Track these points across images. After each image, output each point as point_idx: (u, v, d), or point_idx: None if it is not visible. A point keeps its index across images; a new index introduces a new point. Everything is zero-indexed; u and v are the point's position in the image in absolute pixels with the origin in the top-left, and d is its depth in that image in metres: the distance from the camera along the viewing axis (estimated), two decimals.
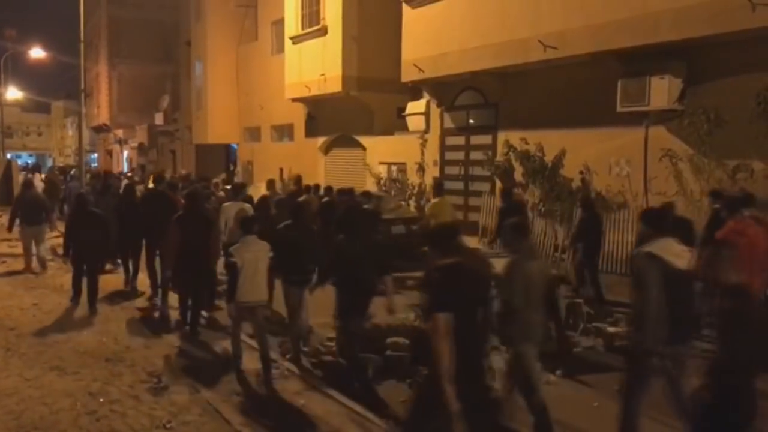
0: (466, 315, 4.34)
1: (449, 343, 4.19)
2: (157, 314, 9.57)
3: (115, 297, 10.69)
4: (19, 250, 13.63)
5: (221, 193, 13.77)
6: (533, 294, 5.12)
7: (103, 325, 8.97)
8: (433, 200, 11.78)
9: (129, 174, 29.80)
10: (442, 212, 10.92)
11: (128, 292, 10.97)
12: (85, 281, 9.84)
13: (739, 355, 3.88)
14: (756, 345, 3.81)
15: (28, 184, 14.42)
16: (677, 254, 4.92)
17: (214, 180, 19.79)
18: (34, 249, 13.13)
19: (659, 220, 5.20)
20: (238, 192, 11.14)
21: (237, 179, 23.09)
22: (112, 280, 11.96)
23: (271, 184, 13.80)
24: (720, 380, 3.89)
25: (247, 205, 10.38)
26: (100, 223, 9.80)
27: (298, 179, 15.09)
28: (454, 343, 4.21)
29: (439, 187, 12.39)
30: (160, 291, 9.97)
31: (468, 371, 4.30)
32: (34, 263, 13.02)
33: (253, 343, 8.08)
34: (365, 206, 11.41)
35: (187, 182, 16.40)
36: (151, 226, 9.97)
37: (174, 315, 9.26)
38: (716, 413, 3.89)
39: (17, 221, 13.00)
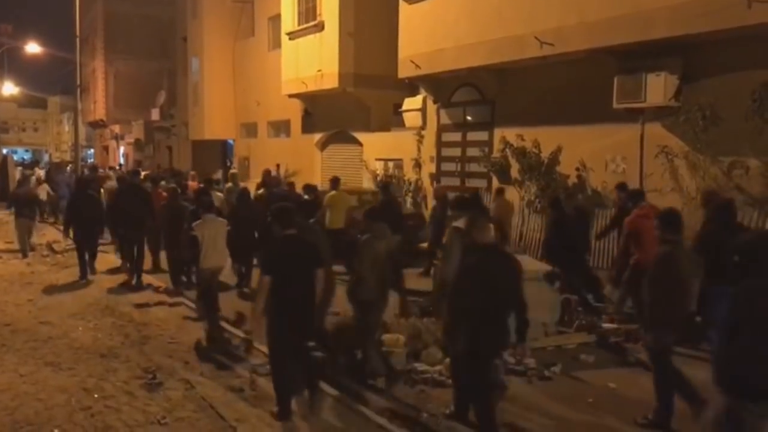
0: (287, 278, 5.67)
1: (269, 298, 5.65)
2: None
3: (111, 294, 10.69)
4: (15, 246, 14.69)
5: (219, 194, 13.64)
6: (377, 266, 6.50)
7: (98, 321, 8.97)
8: (330, 193, 12.71)
9: (117, 168, 29.88)
10: (336, 203, 12.37)
11: (124, 288, 10.99)
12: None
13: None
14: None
15: (22, 182, 16.56)
16: None
17: (214, 176, 19.85)
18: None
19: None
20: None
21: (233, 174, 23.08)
22: (110, 279, 11.98)
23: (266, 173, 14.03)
24: None
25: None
26: (96, 203, 12.27)
27: (265, 173, 15.43)
28: (273, 299, 5.65)
29: (335, 182, 12.97)
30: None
31: (285, 322, 5.73)
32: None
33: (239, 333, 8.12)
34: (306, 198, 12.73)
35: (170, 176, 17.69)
36: (128, 218, 11.31)
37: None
38: None
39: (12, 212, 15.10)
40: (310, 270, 5.87)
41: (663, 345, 5.53)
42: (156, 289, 10.86)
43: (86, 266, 11.83)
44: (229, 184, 15.22)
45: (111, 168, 29.94)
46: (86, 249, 11.92)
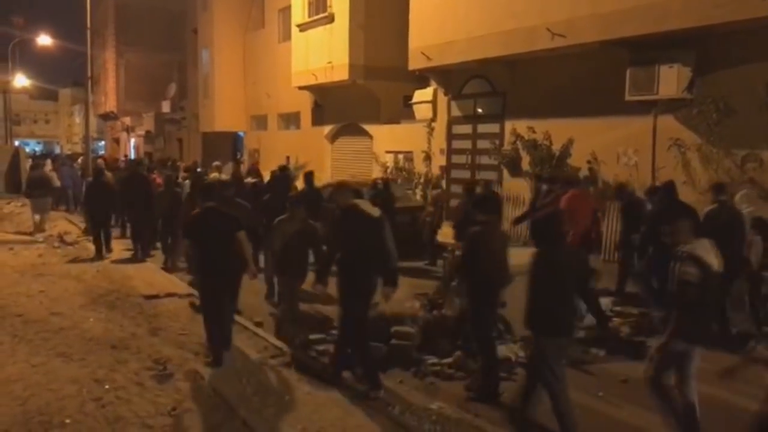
0: (204, 244, 6.85)
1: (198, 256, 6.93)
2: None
3: (122, 286, 10.73)
4: (27, 237, 15.28)
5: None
6: (290, 244, 7.56)
7: (109, 312, 9.01)
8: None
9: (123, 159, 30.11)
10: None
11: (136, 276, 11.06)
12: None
13: None
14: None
15: (35, 166, 18.51)
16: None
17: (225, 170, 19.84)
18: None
19: None
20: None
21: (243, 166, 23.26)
22: (117, 270, 12.04)
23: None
24: None
25: None
26: (109, 189, 13.54)
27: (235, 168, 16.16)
28: (200, 259, 6.90)
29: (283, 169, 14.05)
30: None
31: (209, 280, 6.89)
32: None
33: (258, 330, 8.13)
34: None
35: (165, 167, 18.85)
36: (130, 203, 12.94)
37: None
38: None
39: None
40: (226, 235, 6.87)
41: (481, 315, 6.28)
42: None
43: (102, 247, 13.23)
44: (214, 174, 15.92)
45: (124, 158, 30.17)
46: (101, 231, 13.37)
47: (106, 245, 13.35)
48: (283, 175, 13.48)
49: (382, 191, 12.33)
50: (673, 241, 5.12)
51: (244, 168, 18.40)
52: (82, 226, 16.48)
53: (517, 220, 11.43)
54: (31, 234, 15.85)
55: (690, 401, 5.06)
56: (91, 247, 13.56)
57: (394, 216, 10.66)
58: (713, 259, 4.92)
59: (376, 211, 6.46)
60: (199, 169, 17.73)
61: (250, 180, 13.72)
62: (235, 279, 7.35)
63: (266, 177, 14.54)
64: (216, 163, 17.60)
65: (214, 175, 15.40)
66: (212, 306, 6.93)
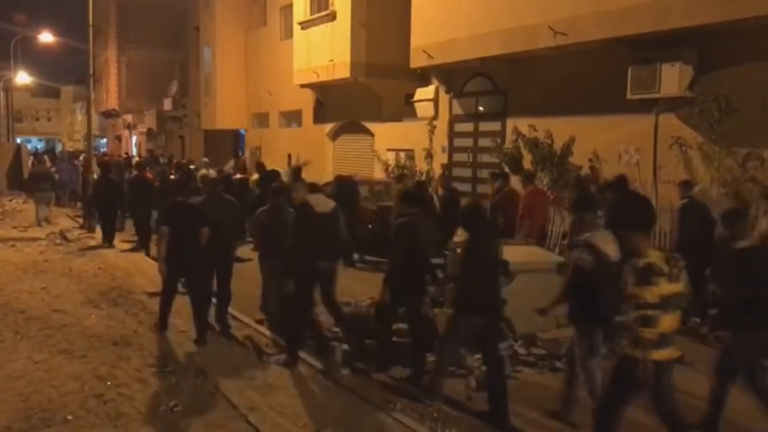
0: (172, 234, 7.52)
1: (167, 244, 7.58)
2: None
3: (124, 282, 10.75)
4: (29, 234, 15.33)
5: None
6: (268, 233, 7.94)
7: (111, 309, 9.03)
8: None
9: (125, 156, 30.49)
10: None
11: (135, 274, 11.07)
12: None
13: None
14: None
15: (39, 159, 20.30)
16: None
17: (226, 167, 19.93)
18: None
19: None
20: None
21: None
22: (119, 268, 12.04)
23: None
24: None
25: None
26: (116, 186, 14.44)
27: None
28: (171, 244, 7.53)
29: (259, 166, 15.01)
30: None
31: (174, 263, 7.64)
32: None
33: (259, 327, 8.15)
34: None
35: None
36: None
37: None
38: None
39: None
40: (193, 227, 7.59)
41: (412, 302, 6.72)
42: None
43: (108, 234, 14.19)
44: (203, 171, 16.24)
45: (125, 156, 30.40)
46: (108, 222, 14.35)
47: (109, 240, 14.11)
48: (272, 172, 13.57)
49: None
50: (577, 231, 5.45)
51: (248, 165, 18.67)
52: (81, 221, 17.19)
53: None
54: (32, 225, 16.66)
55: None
56: (94, 249, 13.71)
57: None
58: (610, 249, 5.17)
59: (329, 206, 7.42)
60: (192, 166, 18.13)
61: (237, 176, 14.24)
62: (198, 268, 7.80)
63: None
64: (204, 159, 17.93)
65: (203, 171, 15.61)
66: (170, 288, 7.93)
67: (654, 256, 4.47)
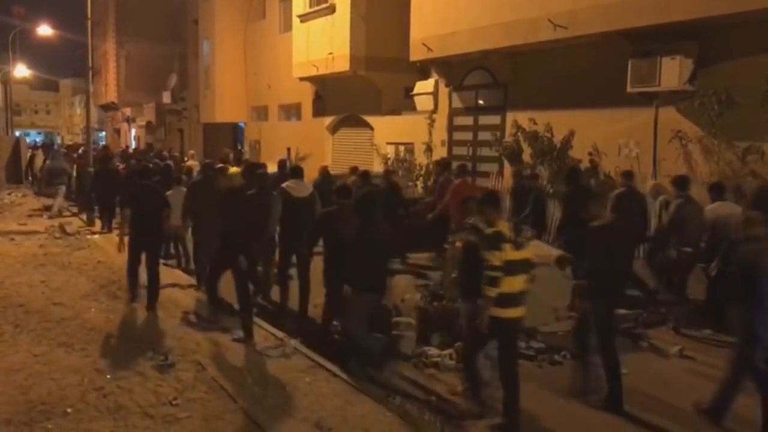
0: (136, 213, 8.53)
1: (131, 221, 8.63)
2: None
3: (123, 276, 10.74)
4: (28, 227, 15.48)
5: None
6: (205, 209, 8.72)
7: (111, 302, 9.02)
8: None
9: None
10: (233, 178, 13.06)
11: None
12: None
13: None
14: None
15: (54, 157, 20.00)
16: None
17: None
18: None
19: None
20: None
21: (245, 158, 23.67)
22: (118, 261, 12.05)
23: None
24: None
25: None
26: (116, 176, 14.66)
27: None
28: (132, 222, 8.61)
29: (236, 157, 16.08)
30: None
31: (138, 241, 8.68)
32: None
33: (258, 320, 8.14)
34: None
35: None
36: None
37: None
38: None
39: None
40: (155, 210, 8.63)
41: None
42: None
43: (106, 222, 14.77)
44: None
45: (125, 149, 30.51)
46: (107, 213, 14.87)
47: (108, 226, 14.69)
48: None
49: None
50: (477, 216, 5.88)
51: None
52: (80, 215, 17.41)
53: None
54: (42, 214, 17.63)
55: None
56: (92, 237, 13.81)
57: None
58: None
59: (306, 191, 8.70)
60: (176, 154, 18.93)
61: (218, 166, 14.13)
62: (156, 243, 9.02)
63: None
64: (191, 151, 18.20)
65: (190, 162, 17.09)
66: (135, 260, 8.85)
67: (502, 227, 5.29)
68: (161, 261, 9.44)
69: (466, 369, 5.87)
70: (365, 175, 11.81)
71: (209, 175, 9.70)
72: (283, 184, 8.82)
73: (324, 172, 12.76)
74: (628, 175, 10.03)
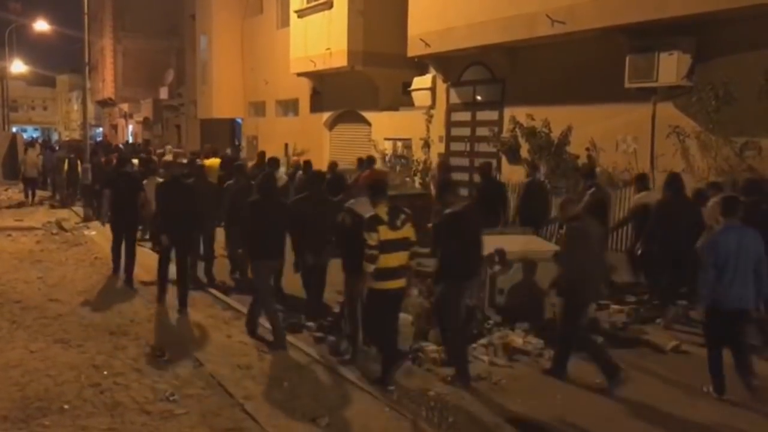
0: (116, 194, 9.98)
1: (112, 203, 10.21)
2: None
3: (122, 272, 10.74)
4: (25, 224, 15.51)
5: None
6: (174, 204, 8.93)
7: (108, 299, 9.02)
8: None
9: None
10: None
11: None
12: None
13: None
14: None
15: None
16: None
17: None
18: None
19: None
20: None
21: (242, 154, 23.89)
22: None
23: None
24: None
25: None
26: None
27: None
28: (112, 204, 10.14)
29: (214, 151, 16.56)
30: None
31: (119, 222, 10.11)
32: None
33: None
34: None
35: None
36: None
37: None
38: None
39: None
40: (131, 192, 9.94)
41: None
42: None
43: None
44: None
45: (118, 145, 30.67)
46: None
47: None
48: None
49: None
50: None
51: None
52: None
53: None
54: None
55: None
56: (90, 233, 13.87)
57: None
58: (367, 212, 6.23)
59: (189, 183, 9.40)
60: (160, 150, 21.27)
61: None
62: (133, 221, 10.13)
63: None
64: (168, 146, 18.98)
65: (167, 156, 18.74)
66: (118, 237, 10.14)
67: (381, 211, 6.05)
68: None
69: (365, 332, 6.69)
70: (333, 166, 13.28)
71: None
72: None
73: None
74: (534, 166, 11.80)
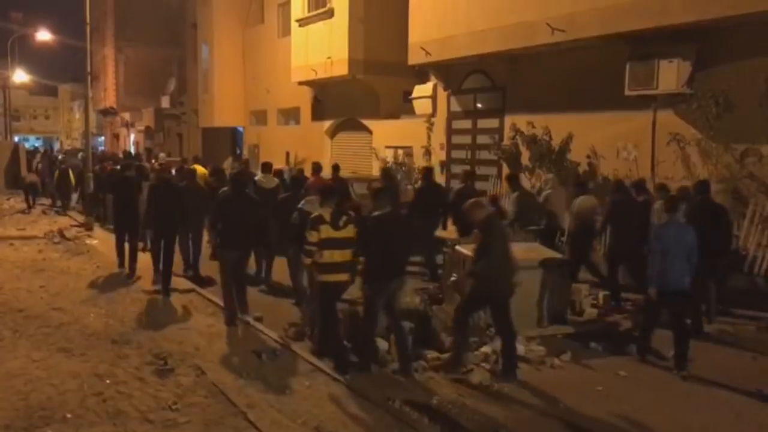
0: (120, 200, 11.27)
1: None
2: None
3: (122, 281, 10.76)
4: (27, 233, 15.50)
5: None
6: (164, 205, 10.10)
7: (110, 307, 9.03)
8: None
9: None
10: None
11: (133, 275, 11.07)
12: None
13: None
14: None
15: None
16: None
17: (224, 164, 20.14)
18: None
19: None
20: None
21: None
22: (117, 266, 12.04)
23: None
24: None
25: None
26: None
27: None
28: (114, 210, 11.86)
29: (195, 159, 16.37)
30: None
31: (121, 222, 11.33)
32: None
33: (257, 325, 8.16)
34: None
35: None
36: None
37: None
38: None
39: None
40: (130, 194, 11.14)
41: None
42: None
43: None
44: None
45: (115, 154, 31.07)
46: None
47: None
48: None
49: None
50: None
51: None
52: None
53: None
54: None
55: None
56: (92, 242, 13.93)
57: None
58: (316, 211, 6.97)
59: (272, 183, 11.11)
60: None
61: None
62: (133, 221, 10.99)
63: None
64: (161, 154, 23.17)
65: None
66: (121, 239, 11.30)
67: (324, 212, 6.72)
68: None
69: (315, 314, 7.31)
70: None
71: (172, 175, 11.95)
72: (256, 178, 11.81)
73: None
74: (468, 174, 12.17)
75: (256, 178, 11.50)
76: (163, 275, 9.86)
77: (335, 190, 7.37)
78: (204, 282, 10.67)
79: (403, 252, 6.94)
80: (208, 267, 10.86)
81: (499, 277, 6.58)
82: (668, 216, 7.18)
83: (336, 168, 13.79)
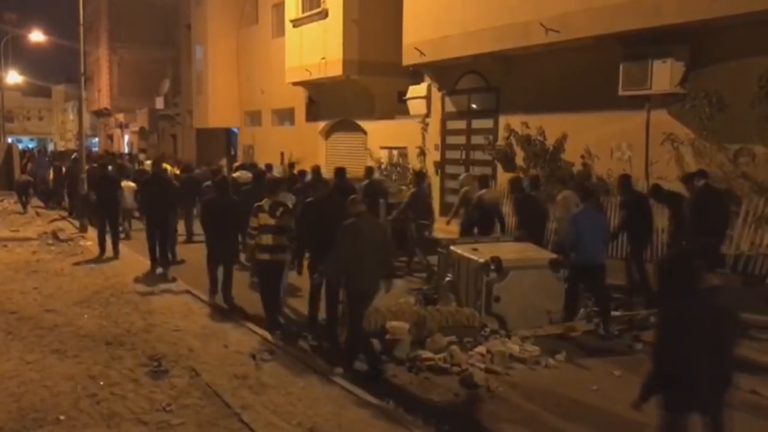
0: (100, 195, 12.93)
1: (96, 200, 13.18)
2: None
3: (116, 282, 10.72)
4: (21, 234, 15.35)
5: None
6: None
7: (104, 309, 8.99)
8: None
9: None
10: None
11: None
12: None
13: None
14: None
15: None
16: None
17: (220, 164, 20.15)
18: None
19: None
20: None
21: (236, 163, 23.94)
22: (111, 267, 12.01)
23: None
24: None
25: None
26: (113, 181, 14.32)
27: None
28: (95, 207, 13.35)
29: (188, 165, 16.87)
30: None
31: (103, 218, 12.83)
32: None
33: (251, 325, 8.15)
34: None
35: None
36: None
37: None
38: None
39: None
40: (112, 190, 12.84)
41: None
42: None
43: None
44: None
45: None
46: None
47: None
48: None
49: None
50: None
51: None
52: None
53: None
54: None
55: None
56: (86, 244, 13.89)
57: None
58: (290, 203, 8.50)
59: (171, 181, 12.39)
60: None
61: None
62: (114, 213, 12.82)
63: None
64: (142, 155, 22.92)
65: (146, 163, 20.69)
66: (102, 226, 12.73)
67: (265, 203, 7.91)
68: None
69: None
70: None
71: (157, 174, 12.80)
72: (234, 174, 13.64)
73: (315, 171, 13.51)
74: (420, 175, 12.89)
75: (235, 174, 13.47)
76: (161, 253, 11.38)
77: (280, 183, 8.81)
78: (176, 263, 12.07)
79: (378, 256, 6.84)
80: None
81: (360, 272, 6.71)
82: (583, 204, 8.54)
83: (341, 171, 13.30)
